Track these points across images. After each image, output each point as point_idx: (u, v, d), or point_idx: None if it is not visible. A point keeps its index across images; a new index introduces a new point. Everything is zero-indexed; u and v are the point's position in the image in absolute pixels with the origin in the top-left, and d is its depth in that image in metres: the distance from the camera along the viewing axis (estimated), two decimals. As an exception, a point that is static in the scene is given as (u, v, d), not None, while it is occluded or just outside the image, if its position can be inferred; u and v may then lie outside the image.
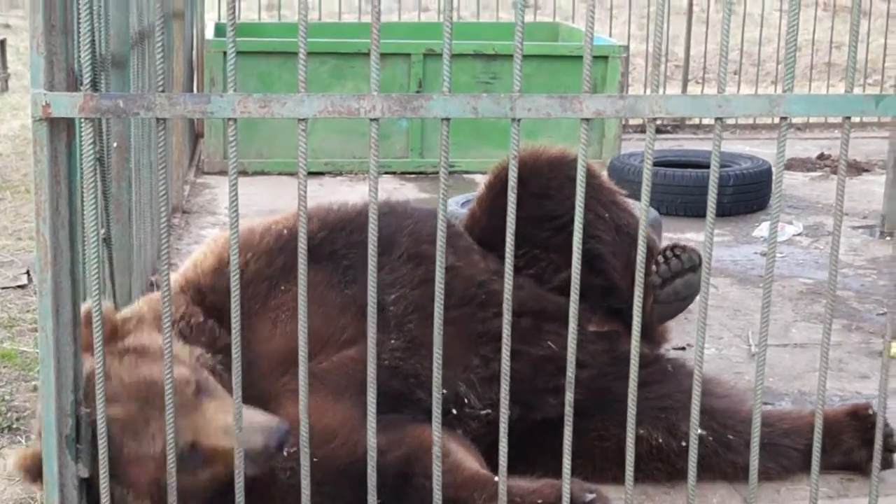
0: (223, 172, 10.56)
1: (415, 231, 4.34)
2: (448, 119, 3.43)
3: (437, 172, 10.86)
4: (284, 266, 4.04)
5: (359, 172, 10.75)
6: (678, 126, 13.04)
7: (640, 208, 3.54)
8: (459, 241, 4.49)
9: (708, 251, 3.59)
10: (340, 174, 10.57)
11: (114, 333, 3.77)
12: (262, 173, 10.33)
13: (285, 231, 4.19)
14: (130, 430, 3.62)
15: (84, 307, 3.53)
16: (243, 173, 10.25)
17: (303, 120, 3.41)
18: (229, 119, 3.39)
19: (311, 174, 10.40)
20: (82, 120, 3.36)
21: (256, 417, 3.62)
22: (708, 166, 9.07)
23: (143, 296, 5.14)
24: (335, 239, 4.21)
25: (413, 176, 10.57)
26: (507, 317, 3.44)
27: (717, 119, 3.50)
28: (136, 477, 3.58)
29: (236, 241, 3.50)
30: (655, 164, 9.38)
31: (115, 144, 4.91)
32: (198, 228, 8.48)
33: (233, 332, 3.44)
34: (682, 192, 8.83)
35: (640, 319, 3.52)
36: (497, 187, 4.61)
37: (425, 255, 4.24)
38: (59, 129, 3.35)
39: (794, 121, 12.82)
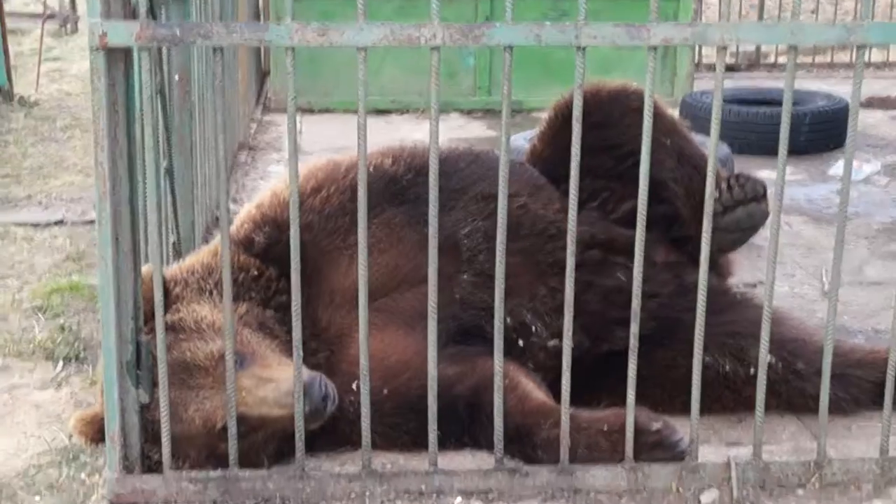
0: (290, 110, 10.58)
1: (489, 174, 4.29)
2: (511, 48, 3.36)
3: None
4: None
5: (425, 110, 10.67)
6: (753, 64, 12.79)
7: (711, 141, 3.45)
8: (532, 178, 4.45)
9: (780, 182, 3.48)
10: (406, 112, 10.53)
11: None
12: (328, 111, 10.31)
13: (371, 168, 4.17)
14: (171, 411, 3.59)
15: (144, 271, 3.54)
16: (309, 111, 10.26)
17: (362, 49, 3.35)
18: (287, 48, 3.35)
19: (378, 112, 10.45)
20: (140, 49, 3.35)
21: (288, 378, 3.59)
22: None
23: (206, 235, 5.15)
24: (420, 182, 4.16)
25: (480, 114, 10.49)
26: (570, 247, 3.41)
27: (790, 47, 3.40)
28: (184, 452, 3.62)
29: (295, 174, 3.49)
30: (729, 101, 9.21)
31: (176, 77, 4.90)
32: (264, 165, 8.49)
33: (293, 284, 3.45)
34: (755, 130, 8.66)
35: (708, 247, 3.47)
36: (558, 121, 4.55)
37: (495, 193, 4.18)
38: (117, 59, 3.34)
39: (874, 58, 12.51)
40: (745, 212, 4.51)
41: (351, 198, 4.06)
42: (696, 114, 8.51)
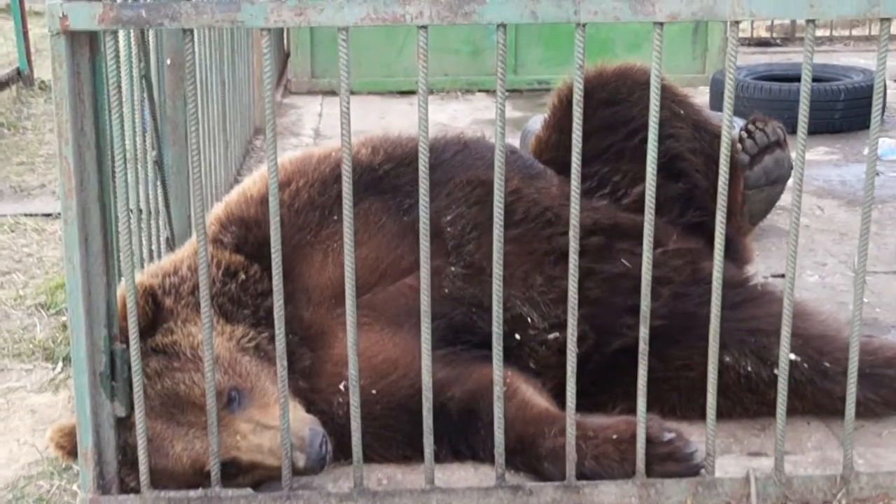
0: (311, 92, 10.36)
1: (477, 163, 4.07)
2: (504, 25, 3.11)
3: (532, 90, 10.59)
4: (339, 194, 3.78)
5: (451, 90, 10.43)
6: (787, 39, 12.44)
7: (723, 118, 3.18)
8: (526, 166, 4.23)
9: (801, 158, 3.19)
10: (431, 93, 10.26)
11: (153, 321, 3.52)
12: (351, 92, 10.02)
13: None
14: (155, 444, 3.38)
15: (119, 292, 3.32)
16: (331, 93, 10.04)
17: (343, 29, 3.09)
18: (264, 30, 3.10)
19: (403, 93, 10.22)
20: (105, 32, 3.11)
21: (295, 426, 3.38)
22: (818, 80, 8.67)
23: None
24: (401, 173, 3.98)
25: (508, 94, 10.17)
26: (573, 231, 3.14)
27: (808, 22, 3.10)
28: (163, 485, 3.39)
29: (274, 165, 3.23)
30: (761, 78, 8.92)
31: (168, 61, 4.66)
32: (280, 150, 8.21)
33: (275, 314, 3.21)
34: (788, 108, 8.32)
35: (724, 214, 3.22)
36: (562, 106, 4.35)
37: (483, 179, 3.98)
38: (80, 43, 3.11)
39: (912, 30, 12.10)
40: (773, 159, 4.34)
41: (321, 191, 3.87)
42: (727, 91, 8.19)
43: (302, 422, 3.42)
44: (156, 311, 3.50)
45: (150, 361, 3.42)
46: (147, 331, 3.46)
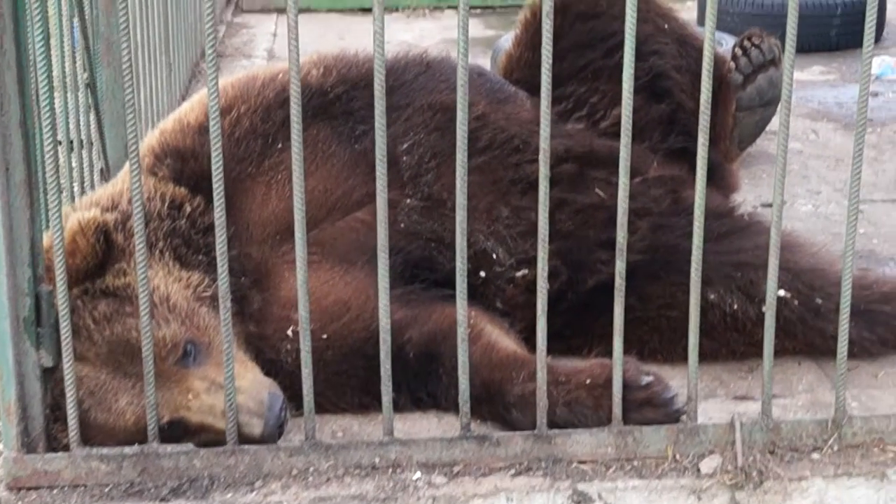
0: (264, 10, 10.21)
1: (440, 86, 3.97)
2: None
3: (505, 6, 10.46)
4: (285, 121, 3.69)
5: (418, 7, 10.29)
6: (781, -50, 12.29)
7: (706, 29, 3.10)
8: (494, 89, 4.14)
9: (788, 81, 3.12)
10: (396, 9, 10.13)
11: (102, 261, 3.42)
12: (308, 10, 9.89)
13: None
14: (98, 397, 3.29)
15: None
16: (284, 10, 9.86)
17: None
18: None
19: (365, 11, 10.07)
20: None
21: (254, 388, 3.31)
22: (810, -7, 8.56)
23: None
24: (354, 96, 3.89)
25: (478, 10, 10.10)
26: (543, 157, 3.06)
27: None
28: (103, 442, 3.28)
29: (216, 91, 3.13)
30: (751, -8, 8.80)
31: (102, -25, 4.53)
32: (230, 74, 8.08)
33: (218, 252, 3.11)
34: (780, 23, 8.20)
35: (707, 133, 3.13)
36: (536, 21, 4.23)
37: (445, 103, 3.89)
38: (-2, -52, 2.98)
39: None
40: (766, 79, 4.32)
41: (264, 117, 3.80)
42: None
43: (259, 384, 3.36)
44: (106, 250, 3.41)
45: (99, 304, 3.34)
46: (95, 271, 3.38)
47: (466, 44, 3.08)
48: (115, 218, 3.54)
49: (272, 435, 3.27)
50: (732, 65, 4.32)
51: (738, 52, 4.31)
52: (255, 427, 3.25)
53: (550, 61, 3.08)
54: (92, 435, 3.26)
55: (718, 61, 4.30)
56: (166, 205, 3.62)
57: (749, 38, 4.33)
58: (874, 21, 3.14)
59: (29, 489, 3.21)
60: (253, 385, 3.31)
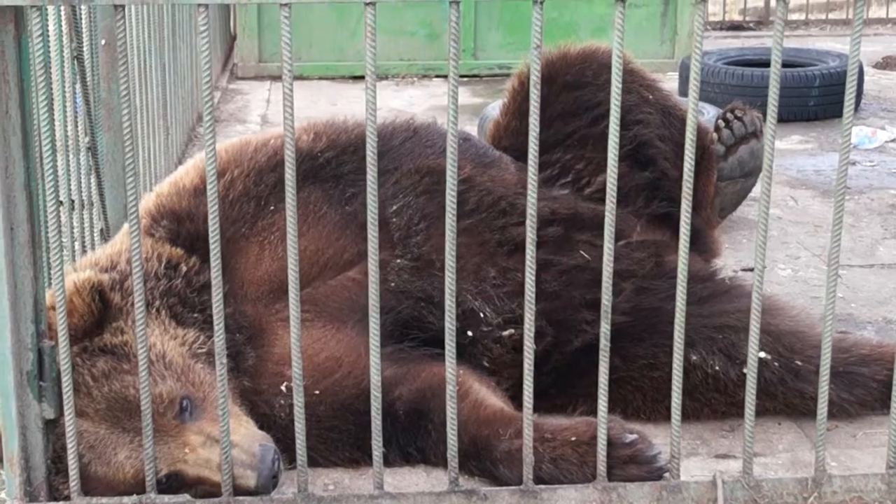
0: (258, 77, 10.30)
1: (427, 151, 4.05)
2: (457, 2, 3.07)
3: (492, 75, 10.57)
4: (276, 184, 3.77)
5: (406, 76, 10.40)
6: (761, 23, 12.49)
7: (689, 101, 3.17)
8: (479, 154, 4.20)
9: (770, 144, 3.19)
10: (386, 78, 10.23)
11: (99, 319, 3.46)
12: (301, 77, 9.99)
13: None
14: (98, 451, 3.34)
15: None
16: (279, 78, 9.91)
17: (285, 5, 3.06)
18: (199, 6, 3.07)
19: (355, 79, 10.17)
20: (31, 7, 3.05)
21: (246, 441, 3.35)
22: (792, 66, 8.70)
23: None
24: (344, 161, 3.95)
25: (466, 79, 10.19)
26: (530, 220, 3.12)
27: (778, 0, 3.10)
28: (102, 495, 3.32)
29: (213, 155, 3.19)
30: (733, 63, 8.95)
31: (102, 42, 4.60)
32: (225, 138, 8.15)
33: (214, 314, 3.16)
34: (760, 94, 8.33)
35: (690, 199, 3.19)
36: (522, 90, 4.33)
37: (432, 167, 3.97)
38: (4, 20, 3.05)
39: (893, 14, 12.18)
40: (748, 150, 4.44)
41: (256, 181, 3.85)
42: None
43: (252, 437, 3.39)
44: (103, 308, 3.46)
45: (98, 362, 3.39)
46: (93, 329, 3.42)
47: (456, 110, 3.14)
48: (112, 278, 3.59)
49: (266, 486, 3.30)
50: (715, 136, 4.42)
51: (721, 123, 4.41)
52: (250, 479, 3.29)
53: (538, 128, 3.15)
54: (92, 488, 3.30)
55: (702, 132, 4.40)
56: (163, 265, 3.68)
57: (732, 111, 4.43)
58: (854, 91, 3.20)
59: (31, 537, 3.24)
60: (245, 438, 3.35)
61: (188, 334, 3.59)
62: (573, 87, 4.33)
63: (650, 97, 4.42)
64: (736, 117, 4.44)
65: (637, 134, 4.33)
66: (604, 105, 4.07)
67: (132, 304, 3.51)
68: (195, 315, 3.65)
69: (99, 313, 3.45)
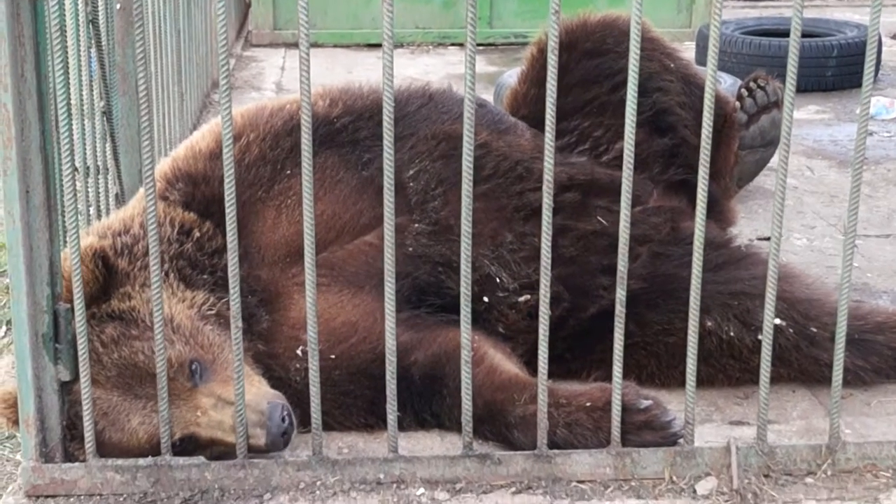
0: (273, 45, 10.29)
1: (443, 117, 4.05)
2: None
3: (507, 44, 10.56)
4: (292, 149, 3.76)
5: (422, 44, 10.37)
6: (779, -8, 12.41)
7: (707, 70, 3.15)
8: (495, 120, 4.19)
9: (788, 115, 3.17)
10: (401, 46, 10.21)
11: (104, 286, 3.46)
12: (316, 45, 9.95)
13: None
14: (111, 418, 3.34)
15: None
16: (294, 45, 9.96)
17: (302, -30, 3.05)
18: (217, -33, 3.06)
19: (371, 46, 10.15)
20: (46, -31, 3.06)
21: (255, 400, 3.35)
22: (810, 36, 8.66)
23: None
24: (360, 126, 3.95)
25: (482, 48, 10.17)
26: (547, 185, 3.11)
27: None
28: (118, 456, 3.34)
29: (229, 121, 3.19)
30: (750, 32, 8.91)
31: (118, 6, 4.60)
32: (239, 105, 8.14)
33: (230, 280, 3.15)
34: (777, 64, 8.30)
35: (707, 169, 3.17)
36: (541, 58, 4.28)
37: (449, 133, 3.95)
38: (20, -18, 3.04)
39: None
40: (769, 119, 4.43)
41: (272, 145, 3.84)
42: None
43: (262, 396, 3.39)
44: (107, 274, 3.45)
45: (106, 328, 3.38)
46: (99, 296, 3.42)
47: (473, 75, 3.12)
48: (121, 242, 3.60)
49: (276, 442, 3.31)
50: (737, 105, 4.39)
51: (744, 92, 4.39)
52: (259, 437, 3.29)
53: (555, 94, 3.13)
54: (106, 453, 3.31)
55: (722, 101, 4.38)
56: (175, 230, 3.67)
57: (755, 80, 4.41)
58: (874, 61, 3.19)
59: (46, 497, 3.28)
60: (255, 397, 3.35)
61: (197, 296, 3.59)
62: (593, 54, 4.31)
63: (671, 65, 4.41)
64: (759, 86, 4.44)
65: (657, 101, 4.33)
66: (624, 72, 4.04)
67: (139, 269, 3.54)
68: (205, 277, 3.65)
69: (104, 280, 3.45)
